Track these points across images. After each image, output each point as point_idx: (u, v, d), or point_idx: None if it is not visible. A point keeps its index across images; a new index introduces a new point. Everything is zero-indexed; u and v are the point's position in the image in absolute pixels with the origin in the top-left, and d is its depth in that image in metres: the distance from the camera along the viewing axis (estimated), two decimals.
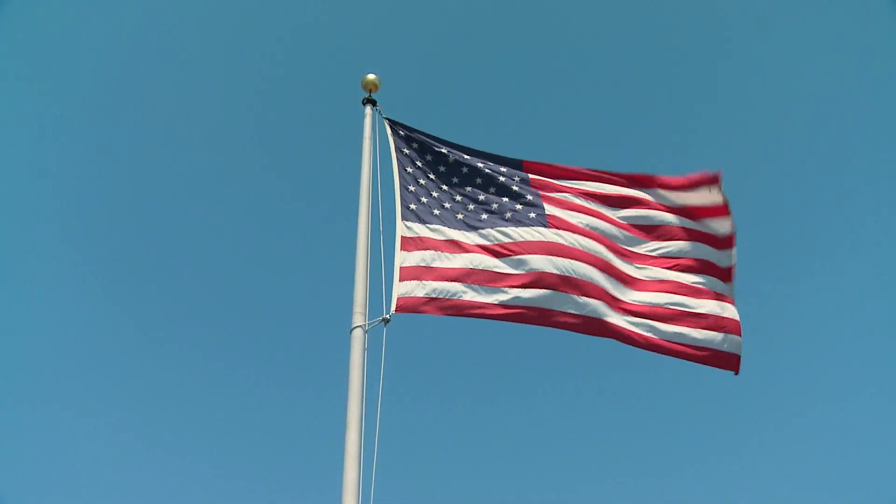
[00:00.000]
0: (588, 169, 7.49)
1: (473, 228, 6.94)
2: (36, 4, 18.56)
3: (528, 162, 7.41)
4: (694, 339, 6.82)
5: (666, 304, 6.93)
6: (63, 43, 19.63)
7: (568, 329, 6.64)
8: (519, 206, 7.09)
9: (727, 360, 6.90)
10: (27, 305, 18.35)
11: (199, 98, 21.73)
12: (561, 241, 6.86)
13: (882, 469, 16.05)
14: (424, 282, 6.36)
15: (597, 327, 6.68)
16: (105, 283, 19.83)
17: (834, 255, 20.72)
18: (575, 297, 6.63)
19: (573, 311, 6.62)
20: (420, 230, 6.74)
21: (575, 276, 6.70)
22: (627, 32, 23.46)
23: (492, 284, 6.54)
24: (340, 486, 5.26)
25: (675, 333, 6.82)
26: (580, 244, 6.91)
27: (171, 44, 21.14)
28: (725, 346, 6.88)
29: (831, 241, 20.92)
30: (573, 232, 6.93)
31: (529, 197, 7.16)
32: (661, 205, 7.37)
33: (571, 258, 6.78)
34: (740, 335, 6.94)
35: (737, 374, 6.92)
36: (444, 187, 7.23)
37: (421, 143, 7.44)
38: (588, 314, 6.64)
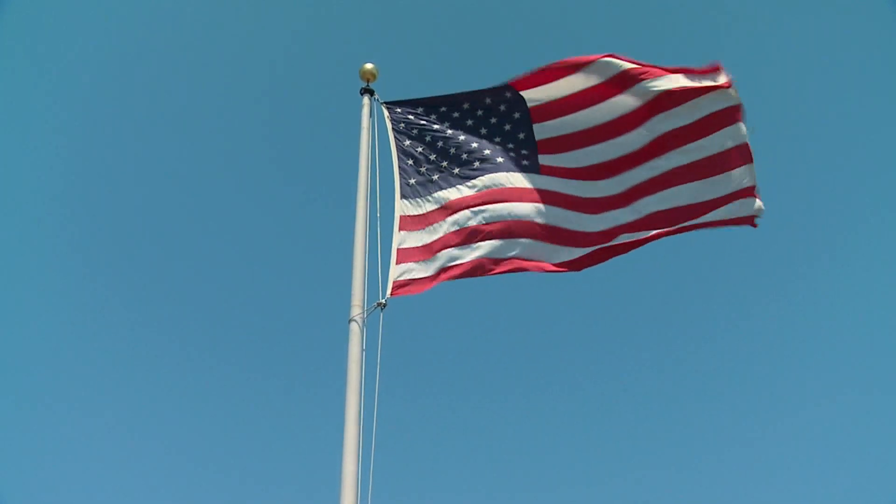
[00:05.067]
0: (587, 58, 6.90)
1: (467, 178, 6.85)
2: (36, 4, 18.57)
3: (516, 82, 7.03)
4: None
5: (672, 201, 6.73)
6: (63, 42, 19.66)
7: (546, 270, 6.57)
8: (511, 146, 6.95)
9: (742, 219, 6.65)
10: (27, 305, 18.34)
11: (196, 91, 21.72)
12: (551, 187, 6.74)
13: (882, 469, 15.97)
14: (419, 262, 6.28)
15: (583, 262, 6.60)
16: (99, 278, 19.78)
17: (833, 255, 20.65)
18: (557, 246, 6.58)
19: (554, 260, 6.57)
20: (423, 204, 6.69)
21: (561, 225, 6.63)
22: (626, 26, 23.39)
23: (473, 241, 6.48)
24: (339, 479, 5.17)
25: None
26: (571, 189, 6.77)
27: (168, 38, 21.14)
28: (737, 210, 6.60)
29: (830, 241, 20.85)
30: (565, 177, 6.78)
31: (521, 136, 7.00)
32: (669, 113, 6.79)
33: (560, 205, 6.67)
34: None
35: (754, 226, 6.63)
36: (440, 144, 7.10)
37: (416, 113, 7.31)
38: (571, 258, 6.57)
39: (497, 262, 6.51)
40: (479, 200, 6.73)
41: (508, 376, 19.97)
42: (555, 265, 6.54)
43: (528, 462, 18.24)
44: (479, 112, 7.18)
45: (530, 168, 6.91)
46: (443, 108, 7.26)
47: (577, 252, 6.58)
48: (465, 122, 7.18)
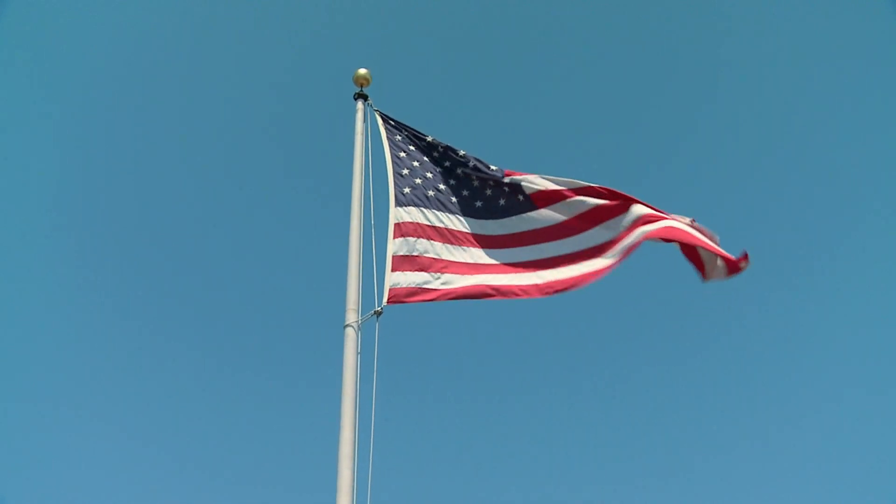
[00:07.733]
0: (581, 183, 7.01)
1: (468, 215, 6.98)
2: (36, 4, 18.56)
3: (510, 172, 7.24)
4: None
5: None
6: (63, 42, 19.65)
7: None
8: (507, 190, 7.07)
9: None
10: (27, 305, 18.35)
11: (192, 94, 21.72)
12: (555, 219, 6.84)
13: (882, 469, 16.04)
14: (414, 272, 6.31)
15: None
16: (97, 280, 19.80)
17: (833, 256, 20.70)
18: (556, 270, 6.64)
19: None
20: (415, 214, 6.74)
21: (562, 253, 6.70)
22: (625, 30, 23.41)
23: (471, 273, 6.56)
24: (335, 484, 5.20)
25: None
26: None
27: (166, 42, 21.13)
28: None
29: (830, 241, 20.89)
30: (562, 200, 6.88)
31: (516, 193, 7.11)
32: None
33: (563, 237, 6.76)
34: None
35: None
36: (439, 170, 7.24)
37: (412, 133, 7.46)
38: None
39: (493, 288, 6.55)
40: (482, 238, 6.87)
41: (510, 379, 20.00)
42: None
43: (526, 467, 18.26)
44: (470, 164, 7.27)
45: (527, 206, 7.06)
46: (428, 139, 7.40)
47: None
48: (458, 169, 7.30)
